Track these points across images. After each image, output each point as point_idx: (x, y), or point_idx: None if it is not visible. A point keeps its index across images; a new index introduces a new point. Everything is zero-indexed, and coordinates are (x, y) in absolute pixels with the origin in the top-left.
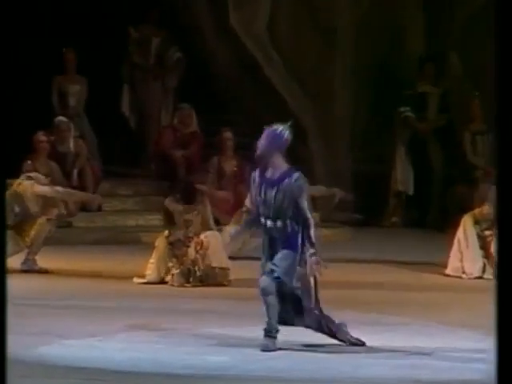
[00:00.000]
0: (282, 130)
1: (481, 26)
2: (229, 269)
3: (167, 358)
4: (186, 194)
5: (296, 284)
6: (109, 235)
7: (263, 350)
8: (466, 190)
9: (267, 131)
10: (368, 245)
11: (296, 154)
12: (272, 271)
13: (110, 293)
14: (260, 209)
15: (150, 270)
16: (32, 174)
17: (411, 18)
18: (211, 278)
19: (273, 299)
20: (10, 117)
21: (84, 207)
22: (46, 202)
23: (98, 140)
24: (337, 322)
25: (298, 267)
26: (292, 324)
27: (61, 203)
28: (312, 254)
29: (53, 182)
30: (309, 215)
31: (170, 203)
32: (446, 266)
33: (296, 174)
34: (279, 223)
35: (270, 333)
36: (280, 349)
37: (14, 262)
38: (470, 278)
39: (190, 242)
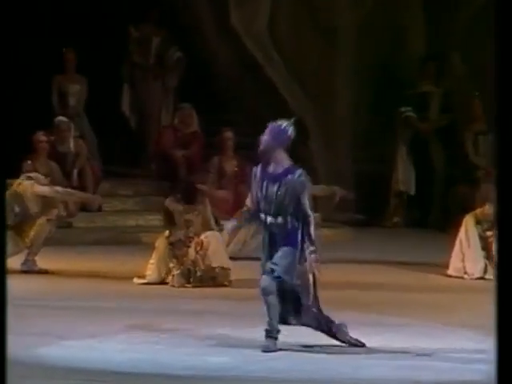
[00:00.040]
0: (286, 125)
1: (482, 26)
2: (229, 269)
3: (167, 358)
4: (187, 194)
5: (296, 281)
6: (109, 235)
7: (264, 351)
8: (467, 190)
9: (271, 126)
10: (369, 245)
11: (297, 154)
12: (272, 271)
13: (109, 293)
14: (260, 205)
15: (151, 270)
16: (32, 174)
17: (412, 19)
18: (212, 279)
19: (274, 299)
20: (9, 117)
21: (84, 207)
22: (46, 203)
23: (98, 140)
24: (337, 322)
25: (297, 265)
26: (290, 323)
27: (60, 204)
28: (312, 252)
29: (53, 182)
30: (309, 212)
31: (170, 203)
32: (447, 267)
33: (299, 171)
34: (280, 219)
35: (271, 333)
36: (280, 349)
37: (13, 262)
38: (471, 279)
39: (190, 242)
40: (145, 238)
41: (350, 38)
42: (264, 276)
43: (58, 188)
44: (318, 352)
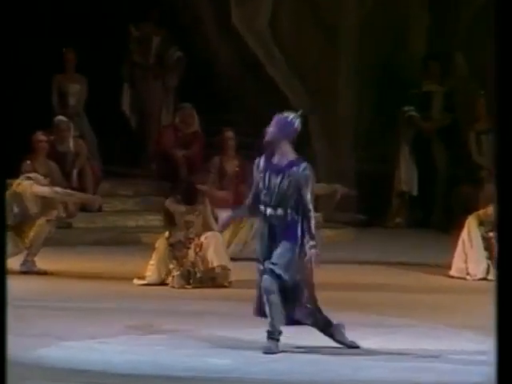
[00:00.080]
0: (293, 118)
1: (484, 26)
2: (229, 269)
3: (167, 360)
4: (187, 195)
5: (297, 277)
6: (109, 236)
7: (265, 353)
8: (470, 191)
9: (277, 118)
10: (371, 246)
11: (299, 154)
12: (272, 271)
13: (109, 294)
14: (261, 196)
15: (151, 271)
16: (32, 175)
17: (415, 18)
18: (211, 280)
19: (275, 298)
20: (9, 116)
21: (84, 208)
22: (46, 203)
23: (97, 140)
24: (335, 322)
25: (297, 260)
26: (287, 323)
27: (60, 204)
28: (312, 246)
29: (52, 183)
30: (310, 207)
31: (170, 204)
32: (449, 267)
33: (304, 164)
34: (280, 211)
35: (272, 335)
36: (281, 351)
37: (12, 263)
38: (474, 280)
39: (190, 243)
40: (145, 239)
41: (353, 37)
42: (265, 276)
43: (58, 189)
44: (319, 354)
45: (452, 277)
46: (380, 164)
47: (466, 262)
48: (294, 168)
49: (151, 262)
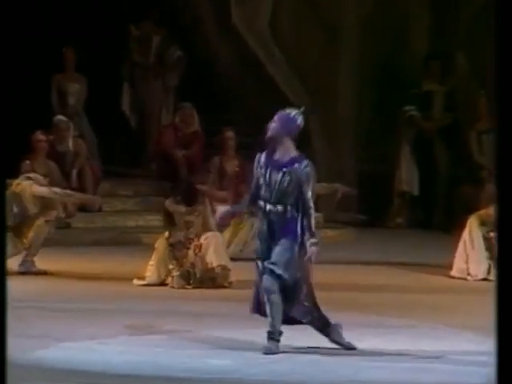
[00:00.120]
0: (296, 114)
1: (486, 26)
2: (229, 270)
3: (167, 361)
4: (187, 196)
5: (297, 275)
6: (109, 236)
7: (266, 353)
8: (472, 191)
9: (280, 114)
10: (372, 246)
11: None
12: (272, 271)
13: (109, 295)
14: (261, 191)
15: (150, 271)
16: (31, 175)
17: (415, 18)
18: (211, 280)
19: (276, 298)
20: (9, 116)
21: (83, 208)
22: (45, 204)
23: (97, 140)
24: (333, 322)
25: (297, 258)
26: (283, 321)
27: (59, 205)
28: (313, 244)
29: (52, 183)
30: (311, 204)
31: (170, 204)
32: (450, 268)
33: (306, 161)
34: (279, 207)
35: (273, 335)
36: (282, 352)
37: (11, 263)
38: (475, 280)
39: (190, 243)
40: (145, 239)
41: (353, 37)
42: (265, 276)
43: (57, 189)
44: (319, 354)
45: (453, 277)
46: (381, 164)
47: (467, 262)
48: (296, 165)
49: (151, 263)
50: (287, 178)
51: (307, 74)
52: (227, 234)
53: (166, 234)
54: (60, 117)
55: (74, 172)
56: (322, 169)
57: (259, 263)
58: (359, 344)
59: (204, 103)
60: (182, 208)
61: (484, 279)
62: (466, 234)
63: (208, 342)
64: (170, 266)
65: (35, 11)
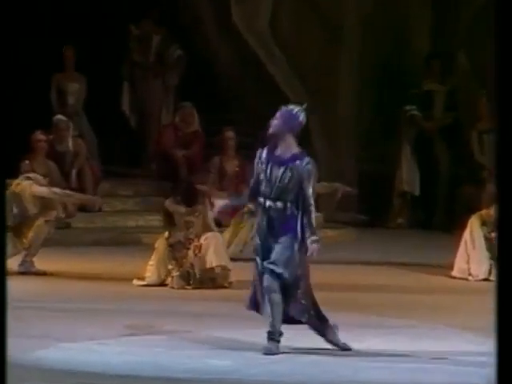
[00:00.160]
0: (298, 111)
1: (486, 25)
2: (230, 270)
3: (167, 361)
4: (187, 196)
5: (297, 272)
6: (108, 236)
7: (266, 354)
8: (473, 191)
9: (282, 111)
10: (373, 246)
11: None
12: (272, 271)
13: (109, 295)
14: (261, 187)
15: (150, 272)
16: (31, 175)
17: (415, 18)
18: (211, 280)
19: (277, 297)
20: (9, 116)
21: (83, 208)
22: (45, 204)
23: (97, 139)
24: (329, 323)
25: (297, 255)
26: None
27: (59, 205)
28: (314, 241)
29: (51, 183)
30: (312, 201)
31: (170, 204)
32: (451, 268)
33: (307, 159)
34: (279, 204)
35: (273, 335)
36: (282, 352)
37: (11, 263)
38: (476, 280)
39: (190, 243)
40: (145, 239)
41: (353, 37)
42: (266, 275)
43: (56, 189)
44: (319, 355)
45: (454, 277)
46: (381, 164)
47: (468, 262)
48: (298, 161)
49: (150, 263)
50: (288, 175)
51: (307, 73)
52: (227, 234)
53: (166, 234)
54: (59, 116)
55: (74, 172)
56: (322, 169)
57: (258, 260)
58: (359, 344)
59: (204, 103)
60: (182, 208)
61: (485, 279)
62: (467, 234)
63: (208, 342)
64: (170, 267)
65: (35, 11)
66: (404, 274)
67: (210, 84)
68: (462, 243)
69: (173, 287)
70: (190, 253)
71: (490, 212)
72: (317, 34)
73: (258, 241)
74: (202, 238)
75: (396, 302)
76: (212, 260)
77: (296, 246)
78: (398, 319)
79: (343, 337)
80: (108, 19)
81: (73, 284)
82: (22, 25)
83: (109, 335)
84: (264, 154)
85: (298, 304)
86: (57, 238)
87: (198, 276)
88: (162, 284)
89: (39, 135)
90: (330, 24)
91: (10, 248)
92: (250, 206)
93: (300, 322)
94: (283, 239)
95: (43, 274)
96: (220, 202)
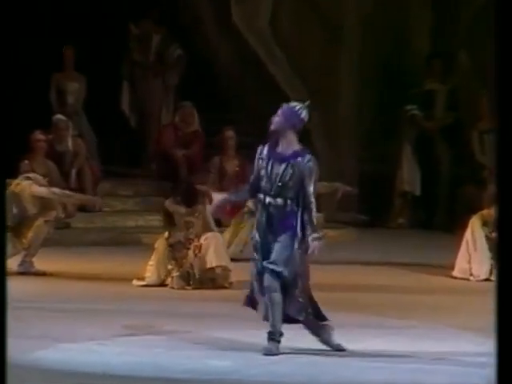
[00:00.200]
0: (300, 108)
1: (487, 25)
2: (230, 270)
3: (167, 362)
4: (187, 197)
5: (297, 270)
6: (108, 236)
7: (266, 354)
8: (474, 191)
9: (284, 108)
10: (373, 246)
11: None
12: (272, 270)
13: (108, 295)
14: (261, 183)
15: (150, 272)
16: (31, 175)
17: (416, 18)
18: (211, 280)
19: (278, 297)
20: (9, 116)
21: (83, 208)
22: (44, 204)
23: (97, 139)
24: (324, 323)
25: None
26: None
27: (59, 205)
28: (316, 239)
29: (51, 183)
30: (312, 199)
31: (170, 205)
32: (452, 268)
33: (309, 156)
34: (279, 200)
35: (273, 335)
36: (282, 353)
37: (11, 263)
38: (477, 281)
39: (190, 244)
40: (145, 239)
41: (354, 37)
42: (266, 275)
43: (56, 189)
44: (319, 356)
45: (455, 277)
46: (382, 164)
47: (469, 262)
48: (299, 158)
49: (150, 263)
50: (289, 171)
51: (308, 74)
52: (227, 234)
53: (166, 234)
54: (59, 116)
55: (74, 172)
56: (322, 169)
57: (257, 257)
58: (359, 345)
59: (204, 102)
60: (182, 208)
61: (486, 280)
62: (468, 234)
63: (208, 342)
64: (170, 267)
65: (35, 10)
66: (405, 275)
67: (209, 83)
68: (463, 243)
69: (173, 287)
70: (190, 253)
71: (491, 212)
72: (317, 34)
73: (257, 237)
74: (202, 238)
75: (397, 303)
76: (212, 260)
77: (296, 245)
78: (398, 320)
79: (343, 337)
80: (108, 19)
81: (72, 284)
82: (22, 24)
83: (108, 335)
84: (265, 151)
85: (295, 302)
86: (56, 238)
87: (197, 276)
88: (162, 284)
89: (38, 135)
90: (330, 24)
91: (9, 248)
92: (250, 206)
93: (297, 321)
94: (282, 237)
95: (43, 274)
96: (218, 196)
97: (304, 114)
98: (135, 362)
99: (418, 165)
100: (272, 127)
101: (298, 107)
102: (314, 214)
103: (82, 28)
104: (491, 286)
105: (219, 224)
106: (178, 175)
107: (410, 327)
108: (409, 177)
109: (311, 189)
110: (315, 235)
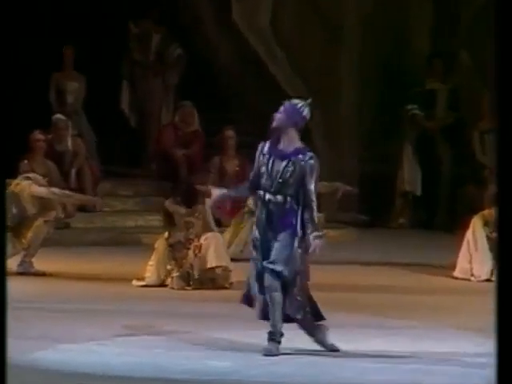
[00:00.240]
0: (302, 106)
1: (487, 25)
2: (230, 270)
3: (166, 362)
4: (187, 197)
5: (297, 269)
6: (108, 236)
7: (266, 355)
8: (475, 191)
9: (287, 105)
10: (374, 246)
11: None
12: (272, 270)
13: (108, 295)
14: (261, 180)
15: (150, 272)
16: (31, 175)
17: (416, 18)
18: (211, 281)
19: (278, 296)
20: (9, 116)
21: (83, 208)
22: (44, 204)
23: (97, 139)
24: (319, 323)
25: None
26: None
27: (58, 205)
28: (317, 237)
29: (50, 182)
30: (313, 197)
31: (170, 205)
32: (453, 268)
33: (310, 154)
34: (279, 198)
35: (274, 336)
36: (282, 354)
37: (10, 263)
38: (478, 281)
39: (190, 244)
40: (145, 239)
41: (355, 37)
42: (266, 275)
43: (56, 190)
44: (319, 356)
45: (456, 278)
46: (383, 164)
47: (470, 262)
48: (300, 156)
49: (150, 263)
50: (290, 169)
51: (308, 74)
52: (227, 234)
53: (166, 234)
54: (59, 116)
55: (73, 172)
56: (323, 169)
57: (256, 255)
58: (360, 345)
59: (204, 102)
60: (182, 209)
61: (487, 280)
62: (469, 235)
63: (208, 343)
64: (169, 267)
65: (35, 10)
66: (405, 275)
67: (209, 83)
68: (465, 243)
69: (172, 288)
70: (190, 253)
71: (492, 212)
72: (317, 34)
73: (256, 234)
74: (202, 238)
75: (397, 303)
76: (212, 260)
77: (296, 243)
78: (399, 320)
79: (344, 337)
80: (108, 18)
81: (72, 284)
82: (22, 24)
83: (108, 336)
84: (266, 148)
85: (293, 301)
86: (56, 238)
87: (197, 276)
88: (162, 284)
89: (38, 135)
90: (330, 24)
91: (9, 248)
92: (251, 205)
93: (295, 320)
94: (282, 236)
95: (42, 274)
96: (217, 192)
97: (306, 112)
98: (135, 363)
99: (418, 165)
100: (274, 124)
101: (300, 105)
102: (315, 212)
103: (82, 28)
104: (492, 287)
105: (219, 224)
106: (178, 175)
107: (410, 327)
108: (409, 177)
109: (312, 187)
110: (316, 233)
